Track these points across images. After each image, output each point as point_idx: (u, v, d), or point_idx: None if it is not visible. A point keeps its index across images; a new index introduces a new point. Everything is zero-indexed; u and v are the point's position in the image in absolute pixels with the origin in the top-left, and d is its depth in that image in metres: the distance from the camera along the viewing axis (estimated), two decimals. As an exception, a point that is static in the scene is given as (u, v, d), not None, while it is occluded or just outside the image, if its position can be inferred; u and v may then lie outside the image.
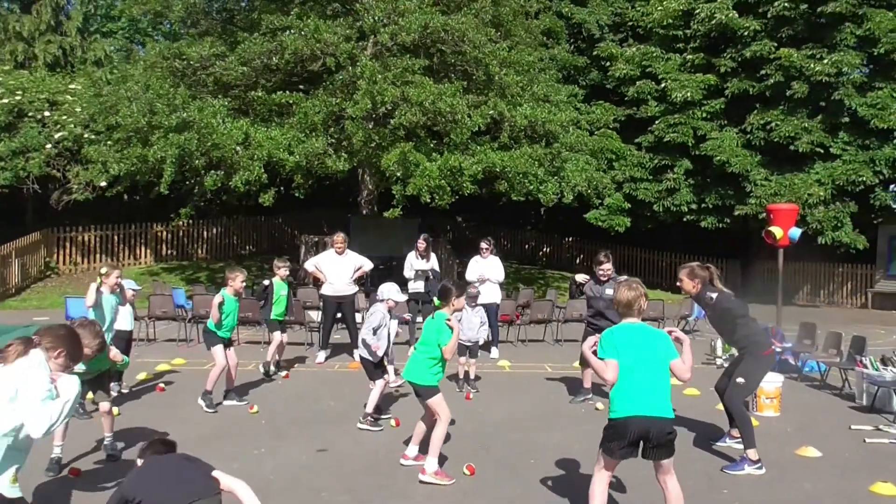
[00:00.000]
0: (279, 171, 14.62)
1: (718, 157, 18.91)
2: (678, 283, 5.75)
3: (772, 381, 7.02)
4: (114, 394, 6.55)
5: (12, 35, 22.62)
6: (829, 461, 5.67)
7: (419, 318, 10.55)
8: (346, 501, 4.61)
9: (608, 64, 21.18)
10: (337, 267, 9.50)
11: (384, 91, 13.15)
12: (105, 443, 5.27)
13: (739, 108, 19.80)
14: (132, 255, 20.20)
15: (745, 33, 19.11)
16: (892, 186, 19.87)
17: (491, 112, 14.26)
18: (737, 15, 19.12)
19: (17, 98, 17.51)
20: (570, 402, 7.55)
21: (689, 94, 19.24)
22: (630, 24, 21.92)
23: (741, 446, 5.68)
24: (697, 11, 19.63)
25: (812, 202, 17.92)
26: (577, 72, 21.94)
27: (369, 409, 6.29)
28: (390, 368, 7.09)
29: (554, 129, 15.32)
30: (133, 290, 7.37)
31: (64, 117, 17.52)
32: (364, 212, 17.93)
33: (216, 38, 15.74)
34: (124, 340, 7.37)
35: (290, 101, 14.39)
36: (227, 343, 7.11)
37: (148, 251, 20.51)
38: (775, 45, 18.88)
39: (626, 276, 7.36)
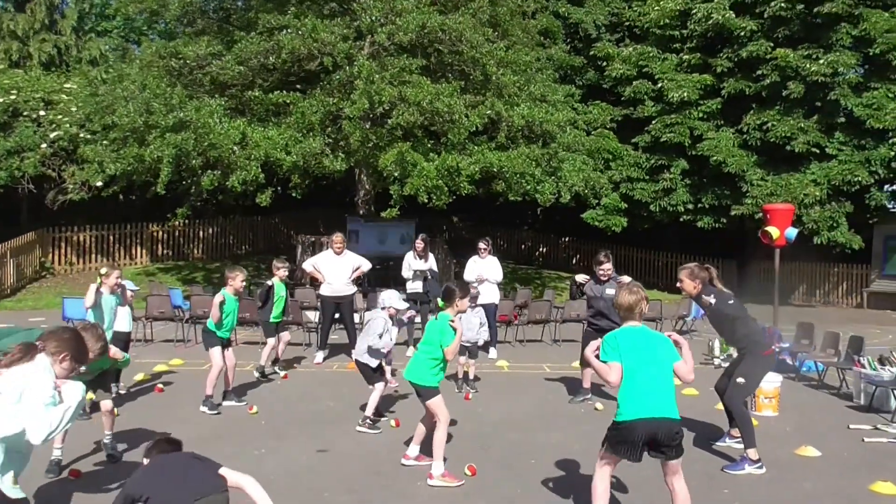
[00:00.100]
0: (276, 170, 14.60)
1: (715, 158, 18.96)
2: (678, 284, 5.75)
3: (770, 381, 7.03)
4: (113, 394, 6.52)
5: (6, 34, 22.51)
6: (828, 460, 5.69)
7: (417, 319, 10.55)
8: (349, 502, 4.61)
9: (605, 64, 21.21)
10: (335, 267, 9.48)
11: (381, 91, 13.14)
12: (105, 441, 5.25)
13: (736, 109, 19.85)
14: (128, 255, 20.13)
15: (742, 33, 19.16)
16: (886, 186, 19.95)
17: (488, 112, 14.25)
18: (733, 15, 19.17)
19: (12, 97, 17.43)
20: (569, 402, 7.55)
21: (685, 95, 19.28)
22: (627, 24, 21.96)
23: (741, 446, 5.69)
24: (694, 11, 19.67)
25: (808, 202, 17.97)
26: (574, 72, 21.96)
27: (369, 411, 6.28)
28: (388, 369, 7.07)
29: (551, 128, 15.33)
30: (132, 290, 7.35)
31: (59, 117, 17.44)
32: (361, 212, 17.92)
33: (212, 37, 15.70)
34: (122, 342, 7.31)
35: (288, 101, 14.36)
36: (226, 344, 7.09)
37: (144, 251, 20.45)
38: (772, 45, 18.94)
39: (628, 278, 7.38)
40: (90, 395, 5.43)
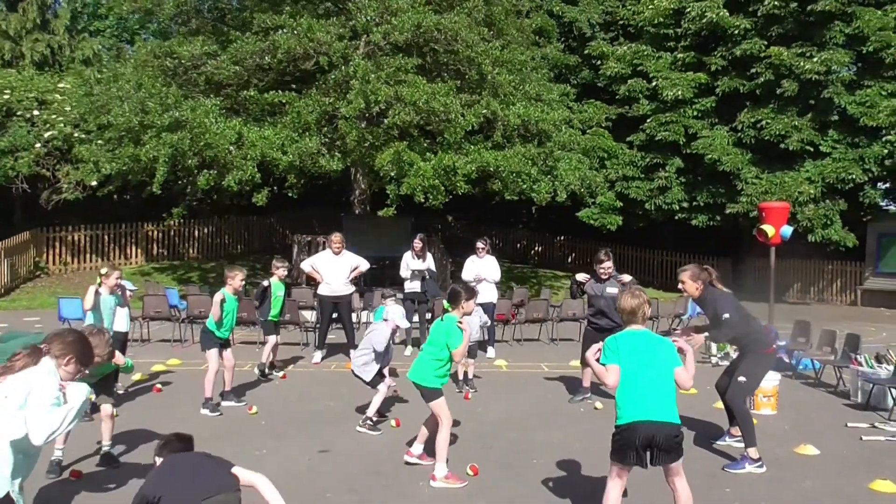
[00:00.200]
0: (272, 170, 14.57)
1: (709, 156, 19.01)
2: (679, 286, 5.76)
3: (769, 380, 7.04)
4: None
5: (-2, 33, 22.39)
6: (827, 459, 5.72)
7: (415, 318, 10.56)
8: (351, 502, 4.61)
9: (599, 62, 21.23)
10: (334, 267, 9.47)
11: (377, 90, 13.13)
12: (102, 451, 5.21)
13: (730, 107, 19.90)
14: (123, 254, 20.05)
15: (736, 32, 19.21)
16: (878, 184, 20.05)
17: (484, 111, 14.26)
18: (727, 13, 19.21)
19: (6, 97, 17.34)
20: (568, 402, 7.57)
21: (680, 93, 19.32)
22: (621, 22, 21.97)
23: (741, 445, 5.72)
24: (688, 10, 19.71)
25: (802, 200, 18.04)
26: (569, 70, 21.98)
27: (370, 413, 6.27)
28: (386, 370, 7.06)
29: (547, 128, 15.35)
30: (130, 290, 7.32)
31: (53, 116, 17.37)
32: (357, 211, 17.90)
33: (207, 36, 15.64)
34: (120, 342, 7.29)
35: (283, 101, 14.33)
36: (225, 344, 7.07)
37: (139, 251, 20.38)
38: (765, 43, 18.99)
39: (629, 276, 7.40)
40: (90, 396, 5.41)
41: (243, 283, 7.17)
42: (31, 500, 4.27)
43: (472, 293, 5.27)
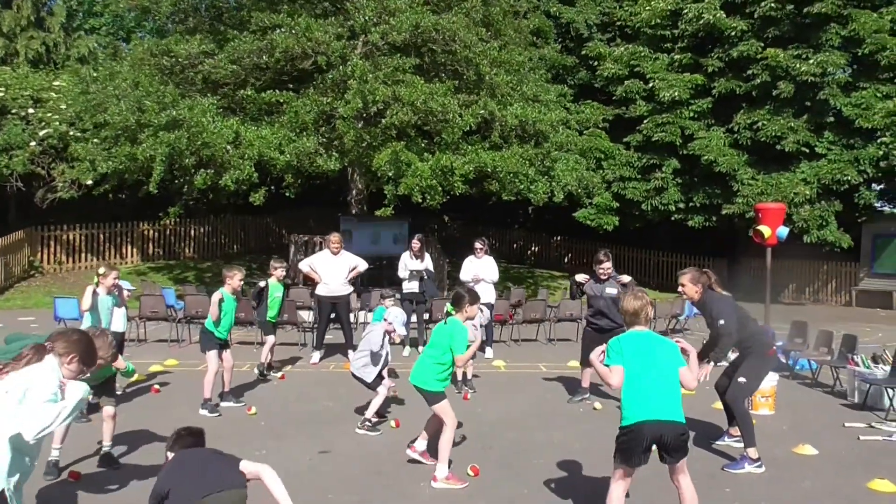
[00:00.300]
0: (270, 170, 14.54)
1: (706, 157, 19.06)
2: (679, 289, 5.77)
3: (767, 380, 7.06)
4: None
5: (-8, 30, 22.28)
6: (825, 459, 5.75)
7: (413, 318, 10.56)
8: (353, 502, 4.61)
9: (596, 63, 21.25)
10: (332, 267, 9.45)
11: (375, 90, 13.12)
12: (103, 451, 5.18)
13: (726, 108, 19.95)
14: (118, 254, 19.98)
15: (732, 33, 19.25)
16: (873, 185, 20.13)
17: (482, 112, 14.26)
18: (724, 15, 19.26)
19: (0, 95, 17.25)
20: (567, 402, 7.58)
21: (676, 94, 19.36)
22: (618, 23, 22.01)
23: (740, 445, 5.74)
24: (685, 11, 19.75)
25: (798, 201, 18.10)
26: (566, 71, 22.00)
27: (369, 414, 6.27)
28: (385, 372, 7.05)
29: (544, 128, 15.36)
30: (128, 290, 7.29)
31: (49, 114, 17.29)
32: (353, 211, 17.88)
33: (204, 35, 15.60)
34: (117, 343, 7.26)
35: (281, 101, 14.31)
36: (224, 345, 7.05)
37: (134, 250, 20.31)
38: (762, 45, 19.05)
39: (628, 277, 7.41)
40: (89, 396, 5.39)
41: (242, 282, 7.14)
42: (30, 502, 4.25)
43: (475, 298, 5.27)
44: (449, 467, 4.94)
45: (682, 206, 20.28)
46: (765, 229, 11.02)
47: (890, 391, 7.25)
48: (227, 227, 22.34)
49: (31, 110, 17.42)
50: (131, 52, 17.12)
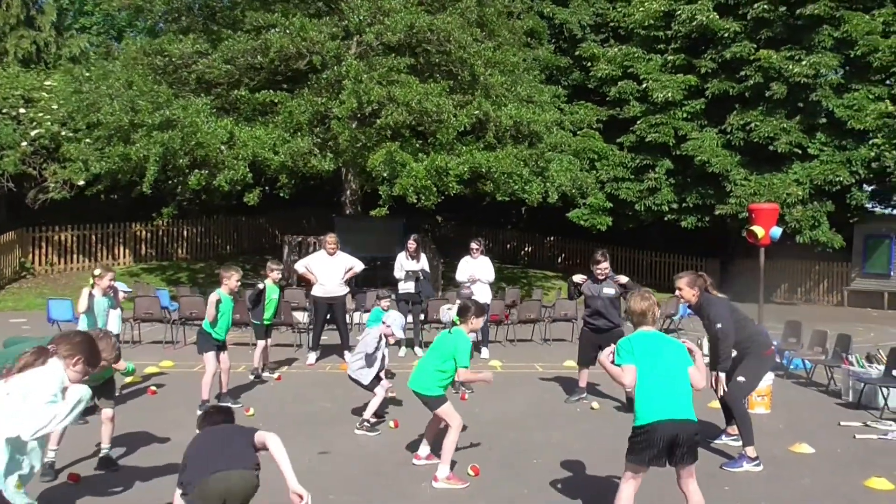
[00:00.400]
0: (264, 170, 14.50)
1: (699, 157, 19.15)
2: (677, 293, 5.78)
3: (763, 379, 7.10)
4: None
5: (-20, 30, 22.09)
6: (822, 457, 5.78)
7: (409, 319, 10.53)
8: (353, 502, 4.60)
9: (590, 64, 21.32)
10: (328, 268, 9.43)
11: (370, 90, 13.11)
12: (101, 455, 5.14)
13: (719, 109, 20.06)
14: (110, 255, 19.85)
15: (726, 35, 19.36)
16: (865, 186, 20.27)
17: (476, 112, 14.27)
18: (717, 16, 19.36)
19: (-9, 94, 17.15)
20: (565, 402, 7.59)
21: (669, 95, 19.45)
22: (611, 24, 22.08)
23: (737, 443, 5.77)
24: (678, 13, 19.84)
25: (790, 202, 18.21)
26: (560, 72, 22.06)
27: (368, 415, 6.26)
28: (382, 373, 7.04)
29: (538, 129, 15.39)
30: (124, 292, 7.25)
31: (40, 114, 17.17)
32: (348, 211, 17.85)
33: (198, 35, 15.55)
34: (113, 343, 7.23)
35: (276, 101, 14.27)
36: (222, 346, 7.02)
37: (127, 251, 20.19)
38: (755, 46, 19.16)
39: (625, 277, 7.42)
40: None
41: (239, 283, 7.12)
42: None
43: (482, 311, 5.28)
44: (452, 468, 4.94)
45: (675, 206, 20.37)
46: (758, 229, 11.06)
47: (884, 390, 7.30)
48: (220, 228, 22.26)
49: (21, 110, 17.29)
50: (124, 52, 17.04)
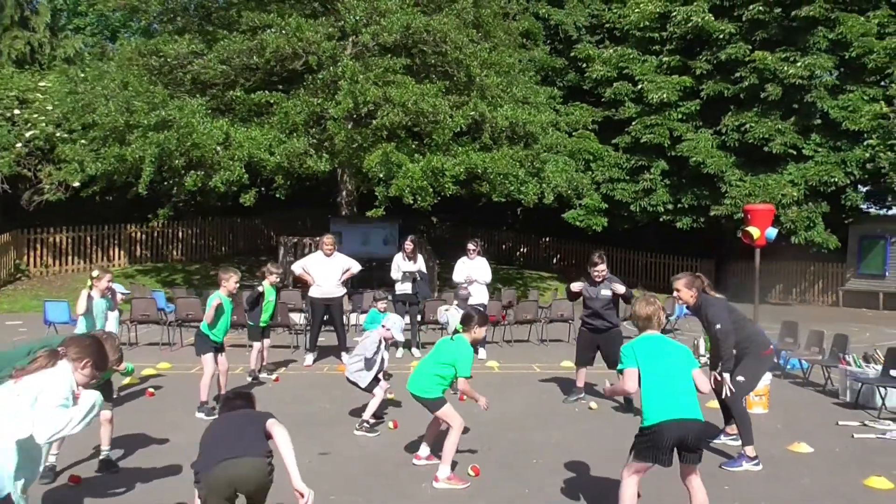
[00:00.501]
0: (260, 171, 14.48)
1: (694, 158, 19.19)
2: (674, 294, 5.78)
3: (761, 379, 7.13)
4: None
5: (-28, 30, 21.99)
6: (821, 457, 5.80)
7: (406, 320, 10.52)
8: (356, 503, 4.60)
9: (585, 65, 21.34)
10: (325, 269, 9.42)
11: (366, 91, 13.10)
12: (101, 457, 5.12)
13: (714, 110, 20.11)
14: (105, 256, 19.77)
15: (721, 36, 19.41)
16: (860, 187, 20.36)
17: (472, 113, 14.29)
18: (712, 18, 19.40)
19: (-16, 96, 17.08)
20: (563, 402, 7.60)
21: (665, 96, 19.48)
22: (607, 25, 22.11)
23: (736, 443, 5.79)
24: (674, 14, 19.89)
25: (785, 202, 18.27)
26: (555, 73, 22.08)
27: (367, 415, 6.25)
28: (381, 374, 7.03)
29: (534, 130, 15.41)
30: (122, 294, 7.22)
31: (35, 115, 17.09)
32: (343, 212, 17.84)
33: (193, 35, 15.52)
34: (110, 345, 7.19)
35: (271, 101, 14.25)
36: (220, 348, 7.00)
37: (122, 253, 20.12)
38: (750, 47, 19.22)
39: (623, 288, 7.39)
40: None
41: (238, 285, 7.10)
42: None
43: (485, 320, 5.30)
44: (453, 469, 4.94)
45: (670, 207, 20.40)
46: (754, 230, 11.10)
47: (882, 390, 7.33)
48: (216, 230, 22.20)
49: (16, 111, 17.21)
50: (118, 52, 16.98)
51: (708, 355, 10.19)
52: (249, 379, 8.41)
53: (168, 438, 5.85)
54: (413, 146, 14.79)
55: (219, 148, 13.24)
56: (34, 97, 17.57)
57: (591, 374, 7.94)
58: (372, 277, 15.15)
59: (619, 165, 20.54)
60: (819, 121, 19.24)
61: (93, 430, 5.38)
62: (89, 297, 6.14)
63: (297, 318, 11.69)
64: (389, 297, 10.70)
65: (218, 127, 13.25)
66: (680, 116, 19.90)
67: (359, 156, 14.32)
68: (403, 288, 10.51)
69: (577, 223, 20.48)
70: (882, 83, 19.27)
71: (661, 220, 20.93)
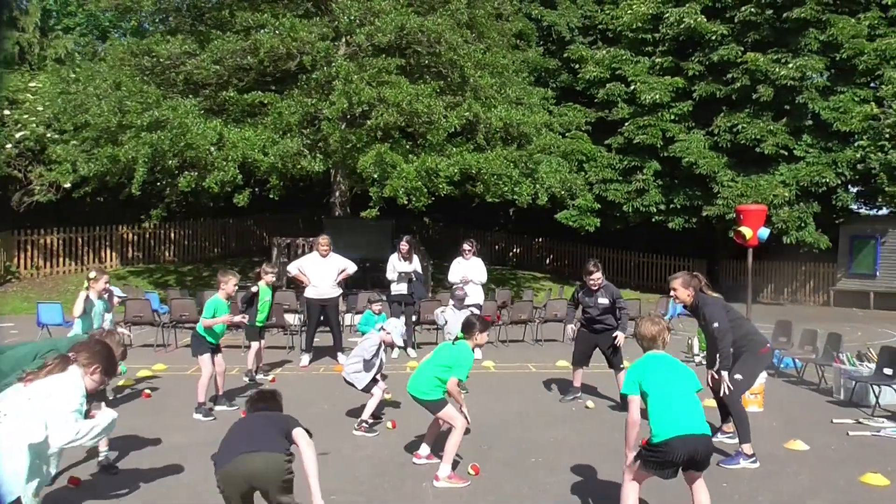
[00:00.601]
0: (254, 172, 14.44)
1: (686, 159, 19.29)
2: (671, 293, 5.81)
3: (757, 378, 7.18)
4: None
5: (-38, 31, 21.80)
6: (817, 454, 5.84)
7: (401, 320, 10.51)
8: (358, 502, 4.59)
9: (578, 66, 21.43)
10: (321, 269, 9.40)
11: (360, 91, 13.09)
12: (100, 458, 5.09)
13: (707, 111, 20.23)
14: (97, 258, 19.65)
15: (713, 37, 19.54)
16: (851, 187, 20.52)
17: (466, 114, 14.30)
18: (705, 19, 19.53)
19: (-26, 96, 16.96)
20: (560, 401, 7.62)
21: (657, 97, 19.58)
22: (599, 27, 22.21)
23: (732, 441, 5.82)
24: (666, 15, 19.99)
25: (777, 203, 18.40)
26: (549, 74, 22.15)
27: (366, 416, 6.25)
28: (379, 375, 7.03)
29: (528, 130, 15.44)
30: (119, 297, 7.18)
31: (25, 116, 16.99)
32: (337, 213, 17.80)
33: (186, 35, 15.46)
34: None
35: (265, 102, 14.22)
36: (216, 348, 6.98)
37: (113, 254, 20.00)
38: (742, 49, 19.35)
39: (629, 317, 7.37)
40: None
41: (236, 287, 7.08)
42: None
43: (486, 326, 5.31)
44: (454, 468, 4.95)
45: (662, 207, 20.51)
46: (746, 230, 11.16)
47: (875, 388, 7.39)
48: (208, 231, 22.12)
49: (6, 112, 17.10)
50: (110, 53, 16.89)
51: (702, 355, 10.33)
52: (246, 379, 8.38)
53: (166, 440, 5.82)
54: (407, 147, 14.79)
55: (212, 148, 13.19)
56: (24, 98, 17.45)
57: (588, 373, 7.97)
58: (366, 278, 15.12)
59: (612, 166, 20.62)
60: (810, 122, 19.40)
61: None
62: (87, 300, 6.11)
63: (292, 319, 11.66)
64: (384, 299, 10.70)
65: (211, 127, 13.21)
66: (672, 117, 20.00)
67: (353, 156, 14.30)
68: (399, 288, 10.50)
69: (570, 223, 20.55)
70: (872, 84, 19.46)
71: (653, 220, 21.03)
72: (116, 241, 20.01)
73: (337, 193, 17.85)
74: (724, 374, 5.51)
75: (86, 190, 15.34)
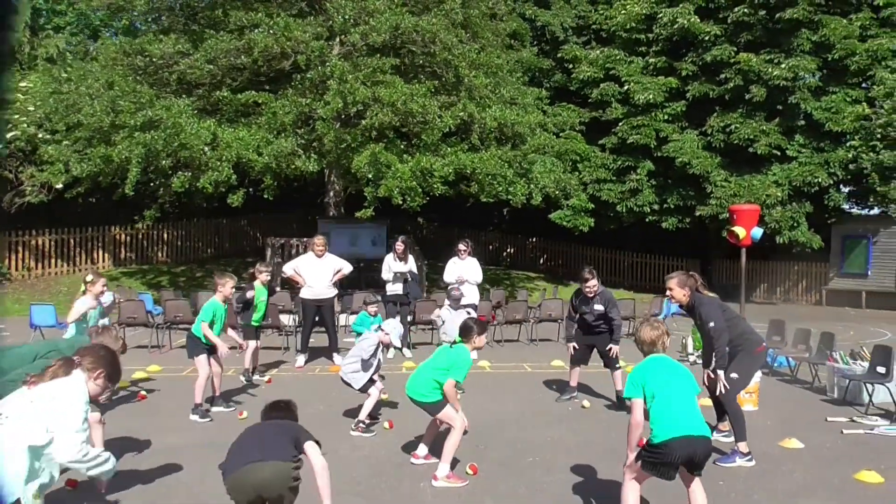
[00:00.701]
0: (248, 172, 14.40)
1: (680, 159, 19.36)
2: (667, 293, 5.83)
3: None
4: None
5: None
6: (812, 452, 5.88)
7: (397, 319, 10.51)
8: (357, 503, 4.59)
9: (572, 66, 21.45)
10: (316, 270, 9.39)
11: (355, 91, 13.08)
12: None
13: (700, 111, 20.29)
14: (89, 259, 19.54)
15: (706, 38, 19.60)
16: (843, 187, 20.64)
17: (461, 114, 14.31)
18: (698, 20, 19.59)
19: (-36, 96, 16.78)
20: (556, 401, 7.63)
21: (651, 97, 19.63)
22: (593, 27, 22.24)
23: (727, 440, 5.85)
24: (660, 16, 20.05)
25: (770, 203, 18.48)
26: (542, 74, 22.18)
27: (362, 416, 6.25)
28: (376, 375, 7.03)
29: (522, 130, 15.46)
30: (105, 303, 7.14)
31: (16, 116, 16.86)
32: (332, 213, 17.78)
33: (179, 34, 15.40)
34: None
35: (259, 101, 14.18)
36: (212, 350, 6.95)
37: (106, 255, 19.90)
38: (735, 49, 19.43)
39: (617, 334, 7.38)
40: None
41: (233, 289, 7.06)
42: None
43: (484, 329, 5.33)
44: (452, 468, 4.95)
45: (656, 207, 20.56)
46: (740, 230, 11.23)
47: (869, 387, 7.44)
48: (201, 231, 22.04)
49: (-3, 112, 16.97)
50: (102, 52, 16.80)
51: (696, 354, 10.37)
52: (243, 380, 8.36)
53: (163, 441, 5.81)
54: (402, 147, 14.78)
55: (206, 148, 13.15)
56: (15, 97, 17.32)
57: (584, 373, 7.98)
58: (360, 278, 15.11)
59: (606, 166, 20.66)
60: (803, 122, 19.49)
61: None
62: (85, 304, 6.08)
63: (287, 320, 11.64)
64: (380, 300, 10.68)
65: (205, 127, 13.17)
66: (666, 117, 20.06)
67: (347, 156, 14.28)
68: (394, 288, 10.51)
69: (564, 223, 20.58)
70: (864, 85, 19.57)
71: (647, 220, 21.08)
72: (109, 241, 19.90)
73: (331, 193, 17.84)
74: (721, 373, 5.53)
75: (78, 190, 15.24)
